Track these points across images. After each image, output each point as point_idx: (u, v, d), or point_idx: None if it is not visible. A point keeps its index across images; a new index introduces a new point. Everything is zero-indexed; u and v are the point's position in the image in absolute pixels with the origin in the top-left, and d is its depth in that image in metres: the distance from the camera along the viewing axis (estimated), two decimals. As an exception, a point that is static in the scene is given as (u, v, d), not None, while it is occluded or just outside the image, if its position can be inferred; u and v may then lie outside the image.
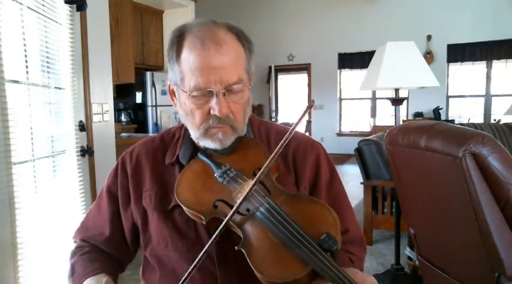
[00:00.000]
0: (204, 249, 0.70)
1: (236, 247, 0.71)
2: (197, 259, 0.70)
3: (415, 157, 1.66)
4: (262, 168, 0.76)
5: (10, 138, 1.78)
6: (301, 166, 0.92)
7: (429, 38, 7.66)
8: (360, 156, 3.35)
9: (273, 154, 0.77)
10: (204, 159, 0.88)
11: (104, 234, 0.95)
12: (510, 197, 1.32)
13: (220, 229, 0.71)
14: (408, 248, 2.72)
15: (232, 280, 0.83)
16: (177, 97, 0.89)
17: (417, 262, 2.09)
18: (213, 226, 0.76)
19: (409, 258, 2.68)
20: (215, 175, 0.84)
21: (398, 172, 1.90)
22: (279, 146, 0.77)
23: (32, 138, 2.05)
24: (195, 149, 0.92)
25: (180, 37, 0.84)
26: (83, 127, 2.51)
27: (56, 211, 2.23)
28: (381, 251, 3.17)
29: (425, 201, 1.77)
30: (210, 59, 0.79)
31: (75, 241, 1.00)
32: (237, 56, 0.83)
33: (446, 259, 1.74)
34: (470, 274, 1.58)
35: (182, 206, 0.81)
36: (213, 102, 0.81)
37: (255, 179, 0.75)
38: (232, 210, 0.73)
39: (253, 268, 0.68)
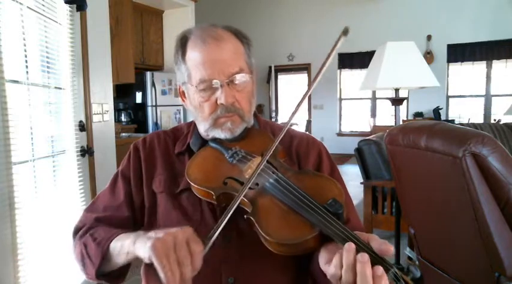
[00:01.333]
0: (224, 216, 0.72)
1: (245, 216, 0.74)
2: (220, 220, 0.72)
3: (415, 157, 1.66)
4: (272, 144, 0.81)
5: (10, 138, 1.78)
6: (303, 160, 0.97)
7: (429, 38, 7.65)
8: (360, 156, 3.35)
9: (283, 130, 0.83)
10: (214, 145, 0.93)
11: (122, 214, 0.94)
12: (510, 197, 1.32)
13: (235, 202, 0.74)
14: (408, 248, 2.72)
15: (234, 260, 0.85)
16: (186, 95, 0.96)
17: (417, 262, 2.09)
18: (223, 202, 0.81)
19: (409, 258, 2.68)
20: (225, 156, 0.89)
21: (398, 172, 1.90)
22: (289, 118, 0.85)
23: (32, 138, 2.05)
24: (204, 141, 0.97)
25: (183, 39, 0.93)
26: (83, 127, 2.51)
27: (56, 211, 2.23)
28: (381, 251, 3.17)
29: (426, 201, 1.77)
30: (211, 53, 0.87)
31: (80, 226, 0.94)
32: (236, 50, 0.91)
33: (446, 259, 1.74)
34: (470, 274, 1.58)
35: (192, 184, 0.85)
36: (219, 92, 0.88)
37: (264, 155, 0.80)
38: (246, 183, 0.76)
39: (261, 232, 0.71)
